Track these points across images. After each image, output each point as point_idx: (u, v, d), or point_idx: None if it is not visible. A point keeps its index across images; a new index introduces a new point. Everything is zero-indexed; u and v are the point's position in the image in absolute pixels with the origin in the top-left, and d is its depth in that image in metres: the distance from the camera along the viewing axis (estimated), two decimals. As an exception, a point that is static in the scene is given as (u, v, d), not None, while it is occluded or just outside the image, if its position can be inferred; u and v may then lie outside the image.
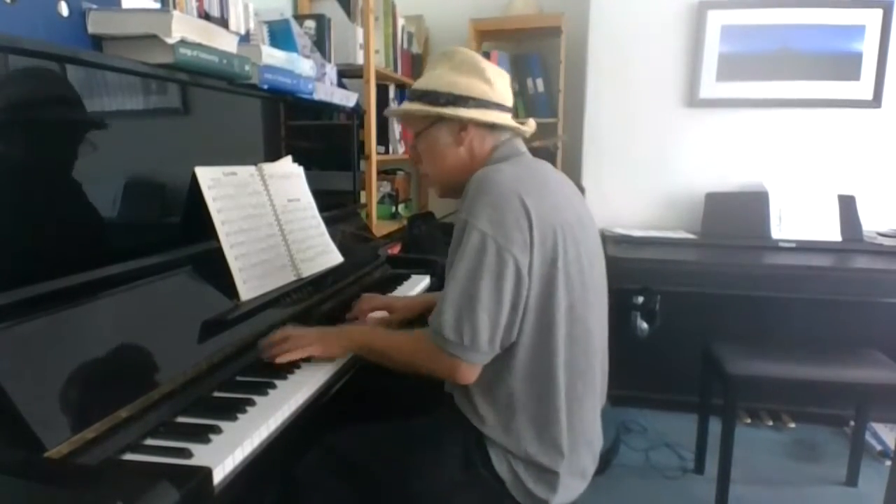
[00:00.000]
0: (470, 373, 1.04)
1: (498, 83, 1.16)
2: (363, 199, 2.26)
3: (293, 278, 1.37)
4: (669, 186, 2.72)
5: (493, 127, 1.16)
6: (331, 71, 2.01)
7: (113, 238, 1.05)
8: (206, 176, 1.21)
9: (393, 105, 2.56)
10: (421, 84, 1.18)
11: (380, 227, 2.45)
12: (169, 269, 1.09)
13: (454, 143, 1.16)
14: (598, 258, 1.16)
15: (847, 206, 2.48)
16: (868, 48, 2.49)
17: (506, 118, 1.17)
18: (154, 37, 1.06)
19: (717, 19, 2.56)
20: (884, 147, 2.55)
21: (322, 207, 1.58)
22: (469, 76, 1.14)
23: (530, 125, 1.23)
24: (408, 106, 1.19)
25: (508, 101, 1.18)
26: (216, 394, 1.01)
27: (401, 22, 2.78)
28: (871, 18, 2.48)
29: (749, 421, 2.39)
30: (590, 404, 1.11)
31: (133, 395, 0.88)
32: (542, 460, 1.04)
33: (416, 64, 3.02)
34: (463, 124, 1.14)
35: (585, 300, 1.08)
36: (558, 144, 2.86)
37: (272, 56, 1.44)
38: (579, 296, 1.06)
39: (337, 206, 1.81)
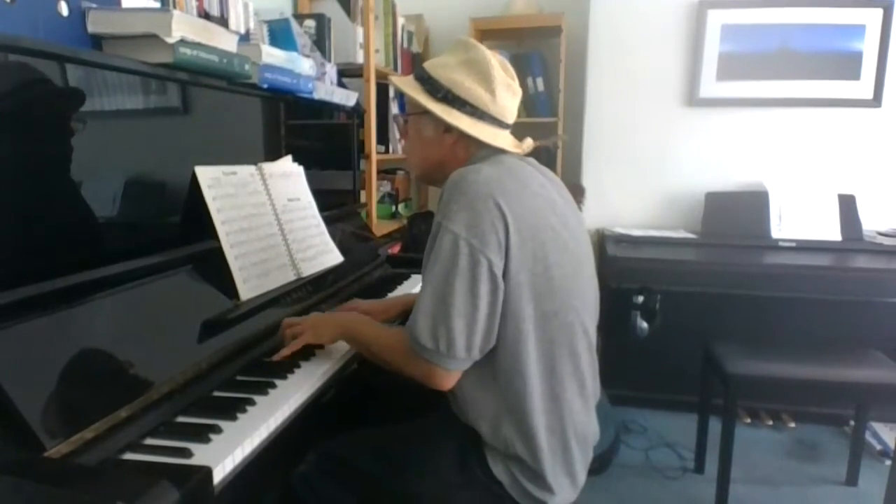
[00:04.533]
0: (446, 379, 1.03)
1: (502, 96, 1.09)
2: (363, 199, 2.26)
3: (293, 278, 1.37)
4: (669, 186, 2.72)
5: (478, 140, 1.09)
6: (331, 70, 2.01)
7: (113, 237, 1.05)
8: (206, 175, 1.21)
9: (393, 105, 2.57)
10: (430, 65, 1.13)
11: (380, 227, 2.44)
12: (169, 268, 1.09)
13: (436, 139, 1.13)
14: (586, 261, 1.13)
15: (847, 205, 2.48)
16: (868, 48, 2.49)
17: (495, 135, 1.10)
18: (154, 36, 1.06)
19: (718, 19, 2.56)
20: (884, 147, 2.55)
21: (322, 207, 1.58)
22: (474, 79, 1.08)
23: (526, 145, 1.16)
24: (404, 87, 1.14)
25: (508, 117, 1.12)
26: (216, 393, 1.01)
27: (401, 21, 2.78)
28: (871, 18, 2.48)
29: (749, 421, 2.39)
30: (579, 406, 1.08)
31: (133, 394, 0.87)
32: (530, 463, 1.03)
33: (417, 63, 3.02)
34: (448, 126, 1.09)
35: (570, 305, 1.04)
36: (558, 144, 2.86)
37: (272, 55, 1.44)
38: (564, 301, 1.03)
39: (337, 206, 1.81)
